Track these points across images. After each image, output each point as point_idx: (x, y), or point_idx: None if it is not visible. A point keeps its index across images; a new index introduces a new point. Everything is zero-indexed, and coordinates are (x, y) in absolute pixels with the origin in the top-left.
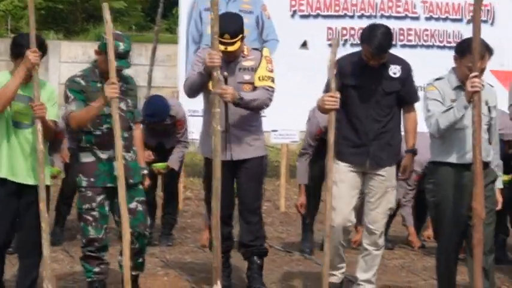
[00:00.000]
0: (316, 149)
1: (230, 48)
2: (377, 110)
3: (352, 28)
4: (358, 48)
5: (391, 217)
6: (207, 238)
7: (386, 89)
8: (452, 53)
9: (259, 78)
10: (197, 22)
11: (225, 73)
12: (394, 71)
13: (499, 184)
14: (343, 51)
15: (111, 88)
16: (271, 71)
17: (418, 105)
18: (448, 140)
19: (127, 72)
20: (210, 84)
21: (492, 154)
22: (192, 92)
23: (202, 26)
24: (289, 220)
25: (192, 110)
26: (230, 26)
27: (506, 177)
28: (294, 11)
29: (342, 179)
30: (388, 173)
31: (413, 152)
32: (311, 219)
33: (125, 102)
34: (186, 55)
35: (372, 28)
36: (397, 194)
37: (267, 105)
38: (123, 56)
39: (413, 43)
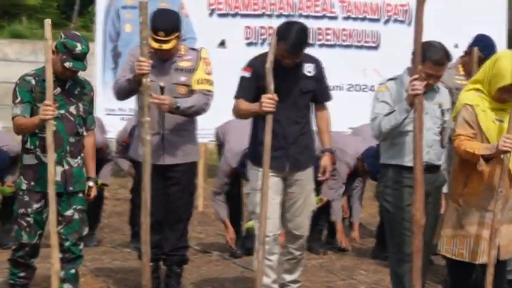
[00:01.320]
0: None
1: (165, 47)
2: (295, 111)
3: (271, 27)
4: None
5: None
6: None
7: (303, 88)
8: (370, 52)
9: (197, 81)
10: (114, 20)
11: (161, 84)
12: (309, 69)
13: (445, 189)
14: (261, 50)
15: (44, 110)
16: (210, 74)
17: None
18: (398, 143)
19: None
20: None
21: (443, 158)
22: (121, 97)
23: (119, 24)
24: (207, 220)
25: (109, 109)
26: (165, 22)
27: None
28: (212, 10)
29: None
30: (307, 176)
31: (330, 151)
32: (238, 227)
33: (75, 106)
34: (103, 53)
35: (288, 25)
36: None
37: (205, 111)
38: (79, 58)
39: (331, 43)
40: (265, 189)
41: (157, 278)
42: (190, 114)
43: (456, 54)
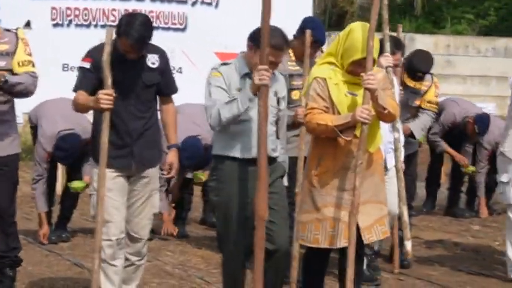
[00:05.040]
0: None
1: None
2: (138, 105)
3: (77, 8)
4: (83, 30)
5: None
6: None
7: (147, 81)
8: (177, 34)
9: (18, 64)
10: None
11: None
12: (153, 61)
13: (285, 181)
14: (68, 32)
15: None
16: (30, 55)
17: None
18: (232, 133)
19: None
20: None
21: (280, 148)
22: None
23: None
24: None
25: None
26: None
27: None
28: None
29: (110, 188)
30: (152, 174)
31: (177, 147)
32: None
33: None
34: None
35: (130, 19)
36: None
37: (32, 93)
38: None
39: None
40: (102, 193)
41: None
42: (17, 93)
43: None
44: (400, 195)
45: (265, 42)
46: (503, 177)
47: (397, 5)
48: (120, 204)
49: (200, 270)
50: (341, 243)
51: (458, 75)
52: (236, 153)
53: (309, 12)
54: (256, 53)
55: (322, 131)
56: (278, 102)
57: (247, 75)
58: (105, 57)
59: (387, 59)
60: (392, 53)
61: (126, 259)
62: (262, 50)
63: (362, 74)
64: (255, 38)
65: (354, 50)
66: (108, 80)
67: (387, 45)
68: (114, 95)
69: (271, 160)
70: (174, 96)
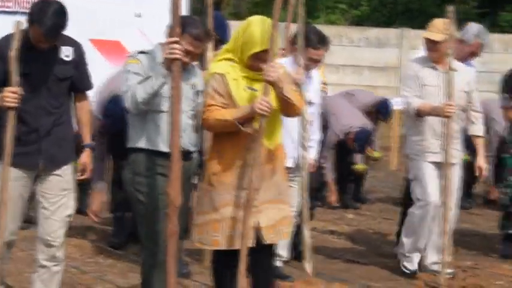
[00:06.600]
0: None
1: None
2: (49, 100)
3: None
4: None
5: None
6: None
7: (60, 74)
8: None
9: None
10: None
11: None
12: (67, 53)
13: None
14: None
15: None
16: None
17: None
18: (144, 124)
19: None
20: None
21: (196, 143)
22: None
23: None
24: None
25: None
26: None
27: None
28: None
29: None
30: (65, 172)
31: (91, 146)
32: None
33: None
34: None
35: (43, 6)
36: None
37: None
38: None
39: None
40: (5, 198)
41: None
42: None
43: (139, 23)
44: (302, 215)
45: (176, 24)
46: (410, 175)
47: None
48: (18, 206)
49: (75, 259)
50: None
51: (332, 65)
52: (153, 146)
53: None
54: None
55: (222, 127)
56: (197, 95)
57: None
58: (13, 52)
59: (298, 77)
60: (317, 48)
61: (41, 266)
62: (173, 28)
63: (262, 65)
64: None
65: (252, 43)
66: (14, 77)
67: (300, 39)
68: (20, 92)
69: (188, 155)
70: None
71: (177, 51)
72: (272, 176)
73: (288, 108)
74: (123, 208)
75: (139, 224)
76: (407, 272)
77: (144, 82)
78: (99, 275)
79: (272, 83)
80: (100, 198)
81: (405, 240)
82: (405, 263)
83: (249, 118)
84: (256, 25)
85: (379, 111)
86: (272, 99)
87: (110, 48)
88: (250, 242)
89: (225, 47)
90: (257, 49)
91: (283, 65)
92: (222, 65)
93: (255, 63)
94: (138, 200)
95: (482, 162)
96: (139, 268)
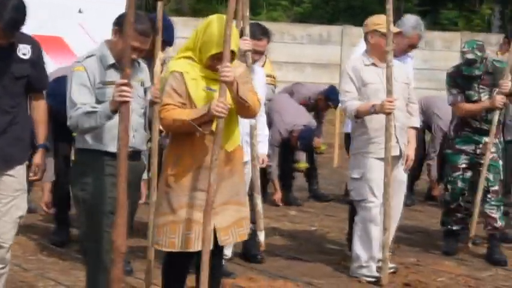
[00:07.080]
0: None
1: None
2: (5, 98)
3: None
4: None
5: None
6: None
7: (16, 73)
8: None
9: None
10: None
11: None
12: (24, 51)
13: (145, 175)
14: None
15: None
16: None
17: None
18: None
19: None
20: None
21: (146, 142)
22: None
23: None
24: None
25: None
26: None
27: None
28: None
29: None
30: (19, 173)
31: (45, 147)
32: None
33: None
34: None
35: (2, 0)
36: None
37: None
38: None
39: None
40: None
41: None
42: None
43: (81, 19)
44: (254, 184)
45: (129, 28)
46: (354, 174)
47: None
48: None
49: (17, 257)
50: (198, 246)
51: (274, 62)
52: (102, 146)
53: None
54: (121, 38)
55: (179, 127)
56: (145, 92)
57: (113, 66)
58: None
59: (245, 43)
60: (259, 39)
61: None
62: (124, 45)
63: (218, 66)
64: (120, 22)
65: (212, 43)
66: None
67: (247, 30)
68: None
69: (139, 155)
70: None
71: (126, 94)
72: (230, 177)
73: (243, 109)
74: (65, 205)
75: (82, 224)
76: (372, 279)
77: (89, 115)
78: (41, 273)
79: (227, 84)
80: (50, 188)
81: (360, 252)
82: (365, 272)
83: (207, 119)
84: (214, 25)
85: (329, 98)
86: (229, 100)
87: (52, 44)
88: (211, 246)
89: (184, 44)
90: (216, 50)
91: (242, 64)
92: (181, 63)
93: (214, 64)
94: (84, 200)
95: (411, 152)
96: (82, 266)
